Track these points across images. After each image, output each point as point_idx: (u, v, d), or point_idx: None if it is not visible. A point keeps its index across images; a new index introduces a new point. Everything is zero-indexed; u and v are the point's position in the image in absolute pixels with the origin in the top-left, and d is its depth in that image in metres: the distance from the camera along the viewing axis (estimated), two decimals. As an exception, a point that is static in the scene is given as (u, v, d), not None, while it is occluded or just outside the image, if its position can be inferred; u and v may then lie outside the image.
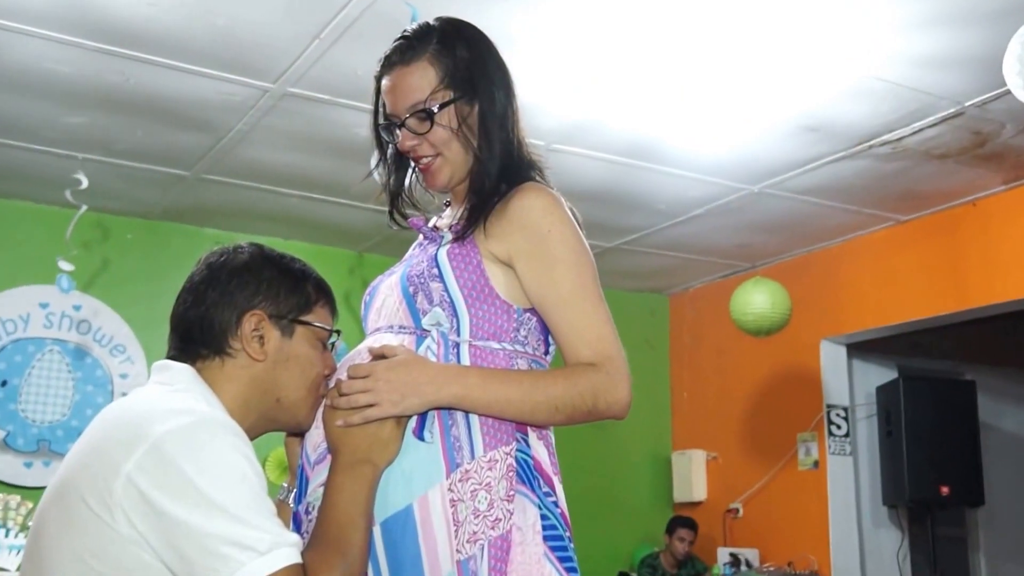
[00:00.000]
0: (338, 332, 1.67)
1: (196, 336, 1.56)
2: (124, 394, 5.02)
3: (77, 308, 4.96)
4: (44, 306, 4.90)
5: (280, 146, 4.24)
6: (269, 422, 1.60)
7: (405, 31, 1.74)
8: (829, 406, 5.56)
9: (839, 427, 5.56)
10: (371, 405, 1.52)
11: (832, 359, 5.60)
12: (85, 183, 4.24)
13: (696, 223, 5.17)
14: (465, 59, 1.71)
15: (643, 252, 5.73)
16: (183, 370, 1.53)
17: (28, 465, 4.79)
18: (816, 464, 5.53)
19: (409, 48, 1.71)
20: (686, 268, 6.10)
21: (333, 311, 1.67)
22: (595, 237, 5.33)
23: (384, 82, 1.74)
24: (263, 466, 4.89)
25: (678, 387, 6.61)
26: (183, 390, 1.49)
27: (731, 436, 6.12)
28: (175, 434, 1.35)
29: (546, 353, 1.72)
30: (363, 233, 5.40)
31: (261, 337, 1.56)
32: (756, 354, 5.88)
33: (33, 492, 4.62)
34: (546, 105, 3.79)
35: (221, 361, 1.55)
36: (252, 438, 1.51)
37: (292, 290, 1.60)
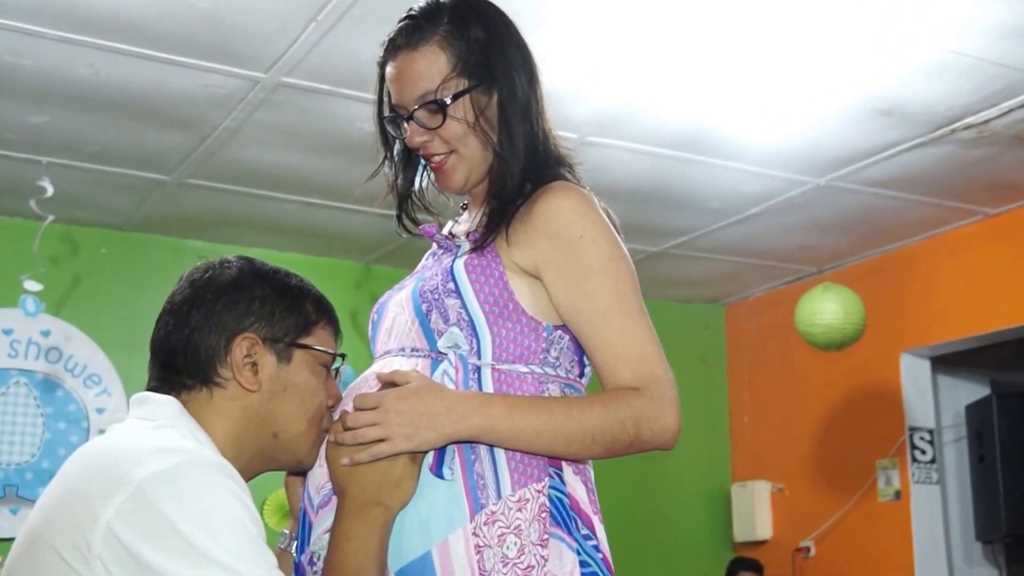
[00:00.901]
0: (343, 356, 1.68)
1: (180, 364, 1.57)
2: (101, 431, 5.10)
3: (45, 334, 5.00)
4: (8, 332, 4.95)
5: (274, 144, 4.26)
6: (266, 461, 1.61)
7: (411, 9, 1.75)
8: (912, 428, 5.52)
9: (924, 452, 5.52)
10: (381, 440, 1.53)
11: (914, 375, 5.57)
12: (50, 191, 4.28)
13: (754, 223, 5.16)
14: (481, 41, 1.72)
15: (694, 257, 5.71)
16: (166, 403, 1.55)
17: (-6, 513, 4.83)
18: (898, 495, 5.49)
19: (416, 29, 1.72)
20: (744, 274, 6.08)
21: (336, 332, 1.68)
22: (638, 241, 5.32)
23: (388, 69, 1.76)
24: (260, 512, 4.93)
25: (737, 410, 6.59)
26: (167, 426, 1.50)
27: (799, 465, 6.09)
28: (160, 476, 1.36)
29: (581, 375, 1.72)
30: (371, 242, 5.42)
31: (254, 364, 1.57)
32: (826, 371, 5.85)
33: (0, 544, 4.66)
34: (580, 92, 3.80)
35: (209, 392, 1.57)
36: (247, 479, 1.53)
37: (289, 309, 1.62)
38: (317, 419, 1.63)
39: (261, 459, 1.60)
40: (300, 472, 1.69)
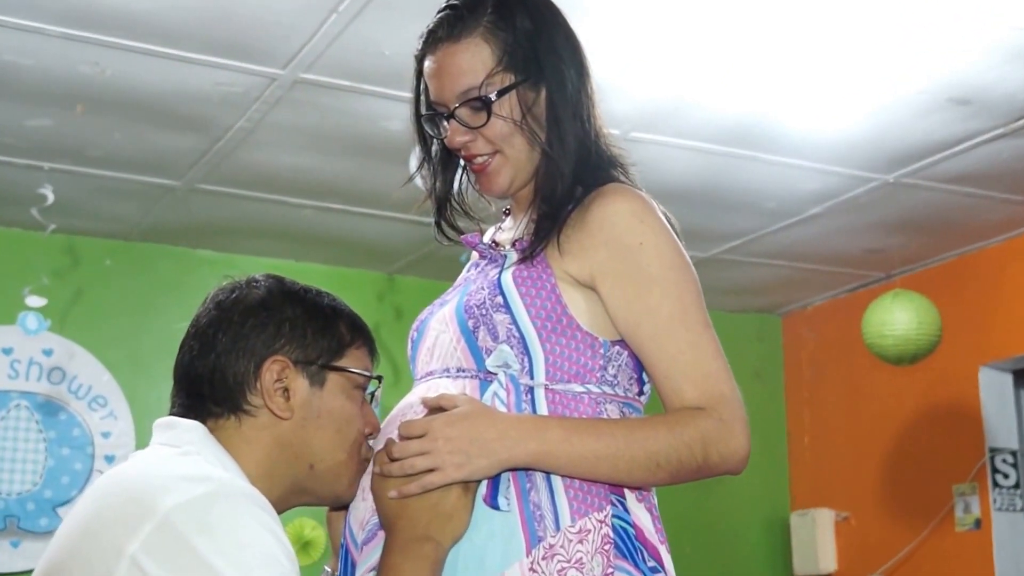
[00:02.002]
0: (379, 379, 1.69)
1: (206, 391, 1.59)
2: (108, 457, 5.15)
3: (48, 353, 5.04)
4: (8, 352, 4.99)
5: (291, 146, 4.29)
6: (301, 494, 1.63)
7: None
8: (993, 450, 5.49)
9: (1007, 476, 5.48)
10: (430, 470, 1.54)
11: (995, 390, 5.53)
12: (51, 199, 4.33)
13: (815, 224, 5.14)
14: (528, 32, 1.73)
15: (748, 263, 5.70)
16: (192, 428, 1.57)
17: (-7, 548, 4.88)
18: (978, 523, 5.46)
19: (458, 20, 1.73)
20: (803, 281, 6.06)
21: (372, 353, 1.70)
22: (687, 246, 5.27)
23: (427, 63, 1.77)
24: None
25: (796, 430, 6.56)
26: (193, 452, 1.52)
27: (866, 490, 6.06)
28: (188, 507, 1.38)
29: (640, 394, 1.73)
30: (394, 250, 5.44)
31: (286, 389, 1.59)
32: (896, 387, 5.81)
33: (-1, 581, 4.71)
34: (622, 84, 3.80)
35: (238, 421, 1.59)
36: (280, 512, 1.55)
37: (321, 330, 1.64)
38: (356, 448, 1.64)
39: (296, 492, 1.62)
40: (340, 507, 1.70)
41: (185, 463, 1.49)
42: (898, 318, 4.80)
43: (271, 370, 1.59)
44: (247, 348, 1.60)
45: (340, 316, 1.67)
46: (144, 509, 1.39)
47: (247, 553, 1.37)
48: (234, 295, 1.64)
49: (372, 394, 1.71)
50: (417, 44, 1.79)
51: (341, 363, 1.64)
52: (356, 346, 1.67)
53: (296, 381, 1.60)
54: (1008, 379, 5.57)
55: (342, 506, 1.70)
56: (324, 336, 1.64)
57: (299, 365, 1.61)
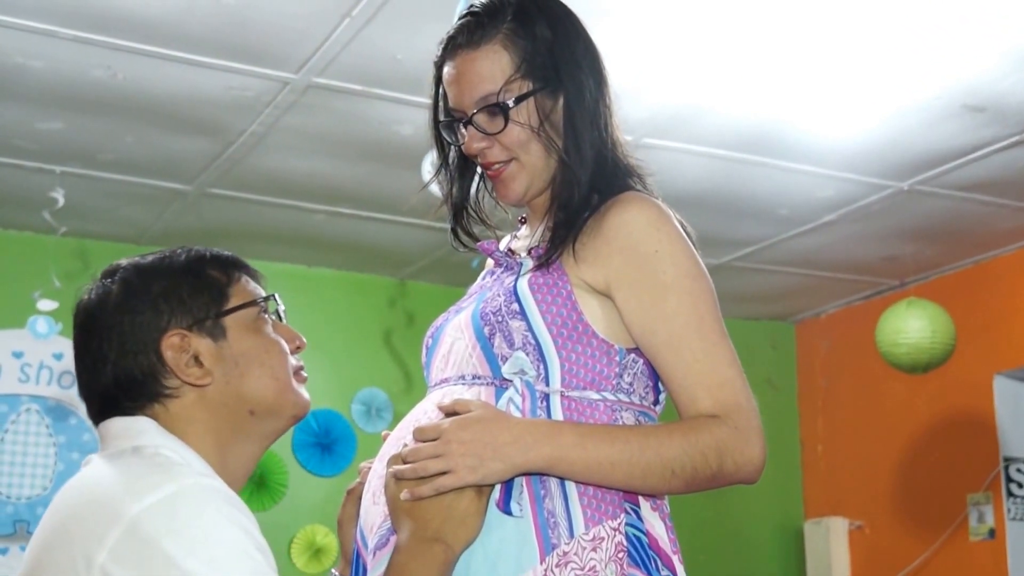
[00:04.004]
0: (274, 296, 1.69)
1: (118, 396, 1.58)
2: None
3: (58, 356, 5.06)
4: (18, 355, 5.01)
5: (303, 150, 4.31)
6: (257, 440, 1.63)
7: (472, 6, 1.77)
8: (1007, 459, 5.48)
9: (1021, 485, 5.48)
10: (443, 473, 1.55)
11: (1009, 399, 5.52)
12: (62, 202, 4.35)
13: (829, 232, 5.14)
14: (547, 40, 1.74)
15: (761, 270, 5.70)
16: (145, 426, 1.56)
17: (3, 551, 4.88)
18: (992, 533, 5.45)
19: (478, 27, 1.74)
20: (816, 289, 6.06)
21: (253, 276, 1.69)
22: (700, 253, 5.30)
23: (446, 69, 1.78)
24: (287, 551, 4.96)
25: (809, 439, 6.56)
26: (151, 455, 1.51)
27: (880, 499, 6.05)
28: (154, 509, 1.38)
29: (655, 402, 1.74)
30: (406, 255, 5.45)
31: (194, 357, 1.58)
32: (910, 395, 5.81)
33: (8, 586, 4.72)
34: (634, 90, 3.80)
35: (164, 407, 1.57)
36: (254, 465, 1.59)
37: (195, 287, 1.62)
38: (285, 369, 1.64)
39: (250, 443, 1.62)
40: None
41: (147, 464, 1.48)
42: (912, 326, 4.80)
43: (171, 347, 1.56)
44: (137, 342, 1.57)
45: (204, 263, 1.65)
46: (110, 515, 1.38)
47: (218, 551, 1.36)
48: (98, 295, 1.61)
49: (277, 312, 1.69)
50: (436, 50, 1.80)
51: (230, 305, 1.62)
52: (235, 281, 1.65)
53: (200, 344, 1.58)
54: (1022, 388, 5.56)
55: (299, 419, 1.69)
56: (200, 291, 1.61)
57: (194, 328, 1.58)
